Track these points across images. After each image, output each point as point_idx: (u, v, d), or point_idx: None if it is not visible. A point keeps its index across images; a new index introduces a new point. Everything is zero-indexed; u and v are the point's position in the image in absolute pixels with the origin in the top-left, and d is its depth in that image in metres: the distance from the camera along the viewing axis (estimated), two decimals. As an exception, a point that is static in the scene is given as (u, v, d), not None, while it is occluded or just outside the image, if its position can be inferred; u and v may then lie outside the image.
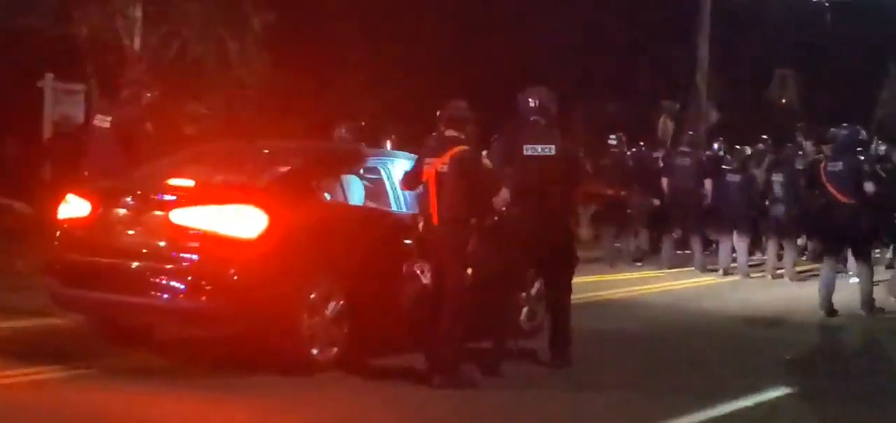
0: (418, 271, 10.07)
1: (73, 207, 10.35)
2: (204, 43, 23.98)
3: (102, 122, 12.71)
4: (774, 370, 11.64)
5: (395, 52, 27.39)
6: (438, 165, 10.04)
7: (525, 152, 10.86)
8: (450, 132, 10.23)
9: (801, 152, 21.29)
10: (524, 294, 12.28)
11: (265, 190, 10.27)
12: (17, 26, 22.91)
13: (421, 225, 10.21)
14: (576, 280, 11.46)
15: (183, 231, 9.79)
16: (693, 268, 20.29)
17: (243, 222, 9.80)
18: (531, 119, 11.01)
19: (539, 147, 10.86)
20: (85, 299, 10.20)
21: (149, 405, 8.95)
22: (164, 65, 23.79)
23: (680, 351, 12.72)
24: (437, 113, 10.41)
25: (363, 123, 14.48)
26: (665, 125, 28.40)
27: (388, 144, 17.50)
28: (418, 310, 10.13)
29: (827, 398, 10.58)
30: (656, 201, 20.62)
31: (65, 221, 10.40)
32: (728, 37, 34.11)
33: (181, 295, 9.72)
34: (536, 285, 12.35)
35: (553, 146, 10.90)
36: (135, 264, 9.88)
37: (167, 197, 10.03)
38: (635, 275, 19.53)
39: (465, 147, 10.12)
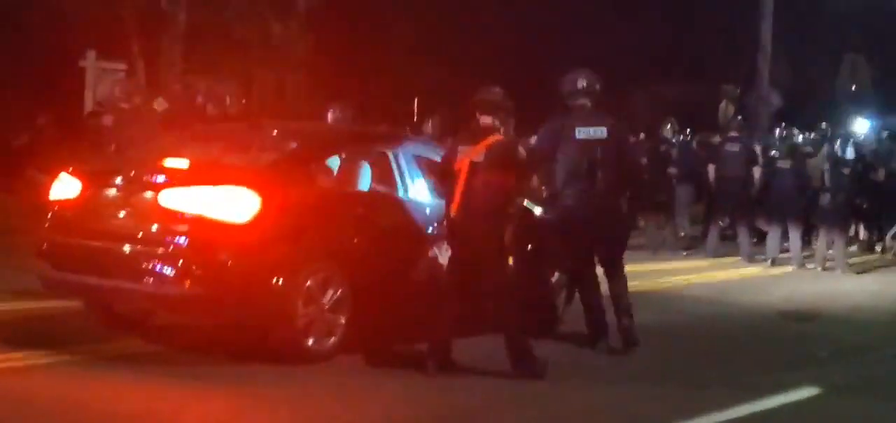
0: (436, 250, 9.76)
1: (65, 187, 9.98)
2: (248, 24, 23.72)
3: (160, 106, 12.56)
4: (806, 367, 11.14)
5: (444, 34, 26.90)
6: (474, 155, 9.64)
7: (577, 136, 10.65)
8: (484, 120, 9.84)
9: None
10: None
11: (260, 172, 9.85)
12: (62, 5, 22.84)
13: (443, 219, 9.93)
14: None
15: (172, 214, 9.38)
16: (740, 258, 19.60)
17: (235, 204, 9.38)
18: (578, 102, 10.81)
19: (591, 130, 10.68)
20: (75, 283, 9.81)
21: (127, 395, 8.59)
22: (208, 45, 23.67)
23: (713, 346, 12.20)
24: (472, 99, 10.00)
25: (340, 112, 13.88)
26: (726, 110, 27.65)
27: (430, 126, 17.07)
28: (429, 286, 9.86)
29: (857, 398, 10.09)
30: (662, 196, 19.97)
31: (56, 201, 10.02)
32: (794, 19, 33.22)
33: (169, 281, 9.31)
34: (555, 276, 11.85)
35: (604, 128, 10.70)
36: (123, 248, 9.48)
37: (158, 178, 9.60)
38: (678, 264, 18.90)
39: (501, 137, 9.78)
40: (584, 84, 10.72)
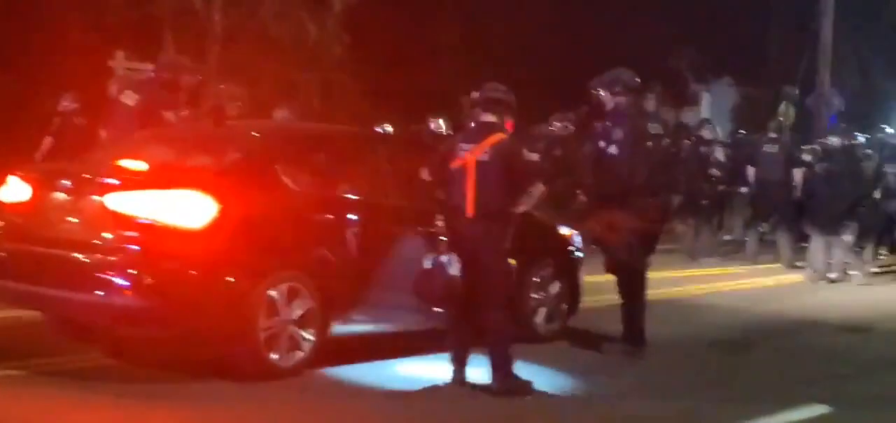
0: (444, 262, 9.07)
1: (15, 191, 9.39)
2: (283, 23, 23.13)
3: (129, 99, 11.91)
4: (823, 383, 10.36)
5: (493, 34, 26.14)
6: (478, 153, 9.09)
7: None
8: (487, 117, 9.34)
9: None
10: (542, 294, 11.05)
11: (217, 174, 9.19)
12: (95, 4, 22.49)
13: (439, 219, 9.22)
14: (653, 275, 11.08)
15: (123, 219, 8.74)
16: (780, 265, 18.72)
17: (188, 209, 8.76)
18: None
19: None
20: (23, 292, 9.22)
21: (68, 413, 8.05)
22: (242, 45, 23.16)
23: (734, 359, 11.46)
24: (474, 95, 9.54)
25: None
26: (787, 111, 26.62)
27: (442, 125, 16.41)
28: (448, 305, 9.24)
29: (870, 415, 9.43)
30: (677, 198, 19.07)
31: (5, 205, 9.43)
32: (858, 20, 32.07)
33: (120, 292, 8.66)
34: (556, 284, 11.12)
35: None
36: (72, 256, 8.86)
37: (109, 180, 8.96)
38: (715, 271, 17.95)
39: (505, 136, 9.27)
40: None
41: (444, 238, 9.14)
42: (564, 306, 11.30)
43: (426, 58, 25.69)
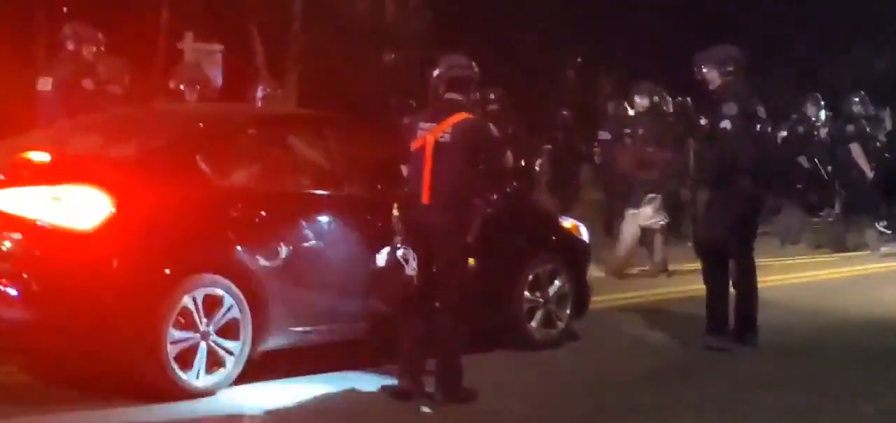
0: (402, 260, 7.99)
1: None
2: (361, 3, 22.15)
3: (44, 85, 10.73)
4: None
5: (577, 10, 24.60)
6: (438, 133, 8.03)
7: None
8: (450, 95, 8.23)
9: None
10: (538, 294, 9.70)
11: (117, 166, 8.01)
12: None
13: (396, 208, 8.16)
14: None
15: (7, 219, 7.65)
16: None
17: (77, 207, 7.62)
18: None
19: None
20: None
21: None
22: (319, 24, 22.29)
23: (767, 366, 9.75)
24: (436, 72, 8.36)
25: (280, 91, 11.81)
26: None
27: None
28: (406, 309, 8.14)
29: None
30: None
31: None
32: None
33: (4, 302, 7.58)
34: (556, 283, 9.74)
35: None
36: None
37: (-1, 176, 7.89)
38: (794, 259, 16.40)
39: (470, 116, 8.21)
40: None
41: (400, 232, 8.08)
42: (567, 310, 9.91)
43: (519, 30, 24.25)
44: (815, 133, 17.96)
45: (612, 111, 18.47)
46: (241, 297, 8.03)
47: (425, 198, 7.96)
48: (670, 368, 9.65)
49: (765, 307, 10.42)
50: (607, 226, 18.17)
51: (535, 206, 10.94)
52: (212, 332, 7.93)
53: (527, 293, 9.64)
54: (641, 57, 22.95)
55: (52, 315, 7.59)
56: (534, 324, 9.68)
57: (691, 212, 15.30)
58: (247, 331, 8.07)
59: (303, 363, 8.60)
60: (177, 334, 7.78)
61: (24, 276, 7.58)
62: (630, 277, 14.28)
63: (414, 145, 8.12)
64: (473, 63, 8.43)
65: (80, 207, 7.61)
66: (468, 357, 8.56)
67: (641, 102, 15.48)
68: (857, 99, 17.35)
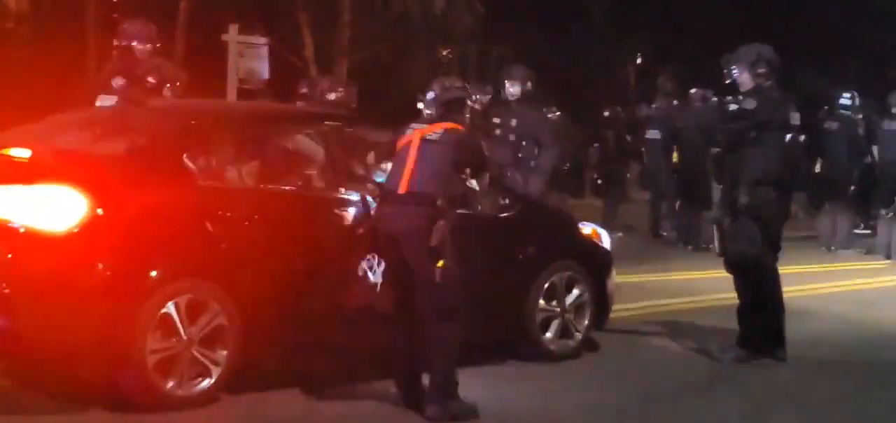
0: (366, 268, 7.71)
1: None
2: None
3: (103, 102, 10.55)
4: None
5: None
6: (428, 131, 7.82)
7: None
8: (443, 114, 8.06)
9: None
10: (554, 304, 9.22)
11: (94, 165, 7.65)
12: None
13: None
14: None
15: (-24, 220, 7.33)
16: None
17: (51, 208, 7.26)
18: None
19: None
20: None
21: None
22: (369, 16, 21.97)
23: (794, 382, 9.27)
24: (429, 95, 8.21)
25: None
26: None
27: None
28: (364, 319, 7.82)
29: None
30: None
31: None
32: None
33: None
34: (574, 292, 9.26)
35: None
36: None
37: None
38: (840, 265, 15.80)
39: (461, 127, 7.98)
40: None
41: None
42: (585, 320, 9.42)
43: (573, 25, 23.72)
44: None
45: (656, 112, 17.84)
46: (228, 303, 7.64)
47: (402, 188, 7.64)
48: (693, 382, 9.15)
49: (800, 317, 9.90)
50: (654, 226, 17.66)
51: (551, 211, 10.45)
52: (196, 338, 7.54)
53: (542, 303, 9.16)
54: (704, 54, 22.31)
55: (25, 321, 7.25)
56: (549, 334, 9.20)
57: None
58: (234, 339, 7.67)
59: (293, 372, 8.20)
60: (158, 341, 7.40)
61: (-4, 279, 7.24)
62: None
63: (399, 143, 7.85)
64: (467, 85, 8.33)
65: (56, 208, 7.27)
66: (478, 369, 8.23)
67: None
68: None
